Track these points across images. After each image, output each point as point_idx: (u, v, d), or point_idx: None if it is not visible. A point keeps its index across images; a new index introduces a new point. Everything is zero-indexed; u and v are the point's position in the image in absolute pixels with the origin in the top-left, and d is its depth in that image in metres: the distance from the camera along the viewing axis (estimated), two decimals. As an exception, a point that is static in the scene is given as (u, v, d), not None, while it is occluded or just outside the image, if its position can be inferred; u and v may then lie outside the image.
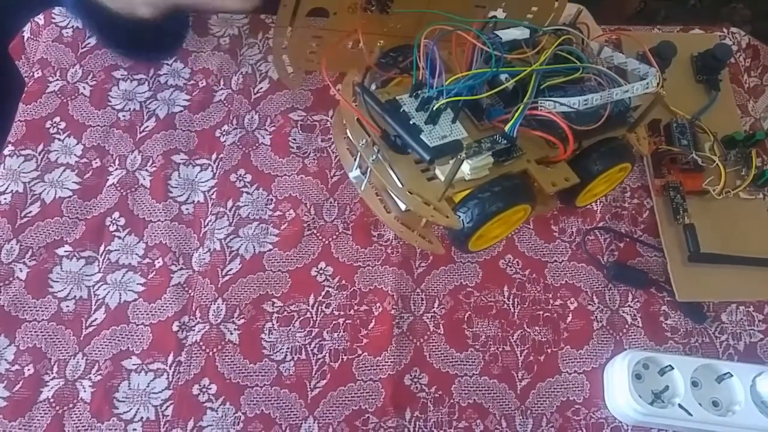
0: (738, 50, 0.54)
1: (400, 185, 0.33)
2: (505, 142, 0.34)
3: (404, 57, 0.37)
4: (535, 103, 0.34)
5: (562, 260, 0.45)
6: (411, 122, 0.33)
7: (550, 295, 0.44)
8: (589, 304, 0.44)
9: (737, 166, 0.48)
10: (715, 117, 0.49)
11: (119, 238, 0.44)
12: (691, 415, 0.38)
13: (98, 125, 0.48)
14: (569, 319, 0.43)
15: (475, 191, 0.35)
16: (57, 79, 0.50)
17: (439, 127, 0.34)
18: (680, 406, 0.39)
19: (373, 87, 0.37)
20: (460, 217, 0.35)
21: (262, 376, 0.40)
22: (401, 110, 0.34)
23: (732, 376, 0.40)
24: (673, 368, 0.40)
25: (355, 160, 0.36)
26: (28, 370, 0.40)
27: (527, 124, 0.35)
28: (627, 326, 0.43)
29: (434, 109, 0.33)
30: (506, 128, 0.34)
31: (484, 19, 0.37)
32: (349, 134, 0.35)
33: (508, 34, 0.36)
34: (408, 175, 0.34)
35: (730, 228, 0.46)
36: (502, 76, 0.35)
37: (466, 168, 0.34)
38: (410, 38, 0.35)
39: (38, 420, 0.38)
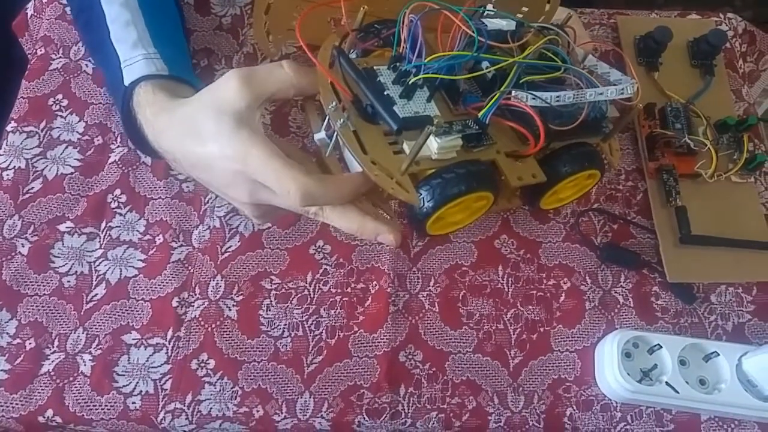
0: (734, 36, 0.50)
1: (364, 154, 0.30)
2: (477, 127, 0.31)
3: (387, 30, 0.34)
4: (510, 93, 0.31)
5: (556, 241, 0.42)
6: (385, 93, 0.30)
7: (544, 275, 0.41)
8: (582, 285, 0.41)
9: (729, 151, 0.45)
10: (710, 101, 0.46)
11: (120, 214, 0.41)
12: (678, 392, 0.36)
13: (100, 103, 0.45)
14: (562, 298, 0.41)
15: (440, 171, 0.32)
16: (60, 57, 0.46)
17: (413, 102, 0.31)
18: (667, 383, 0.37)
19: (353, 55, 0.33)
20: (421, 195, 0.32)
21: (259, 351, 0.38)
22: (377, 80, 0.31)
23: (719, 355, 0.38)
24: (661, 347, 0.38)
25: (322, 122, 0.33)
26: (30, 343, 0.37)
27: (501, 114, 0.32)
28: (618, 306, 0.41)
29: (410, 83, 0.30)
30: (480, 114, 0.31)
31: (473, 7, 0.33)
32: (320, 96, 0.31)
33: (494, 24, 0.33)
34: (374, 145, 0.30)
35: (721, 211, 0.43)
36: (483, 64, 0.32)
37: (433, 146, 0.31)
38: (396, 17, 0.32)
39: (39, 392, 0.36)
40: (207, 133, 0.29)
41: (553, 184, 0.36)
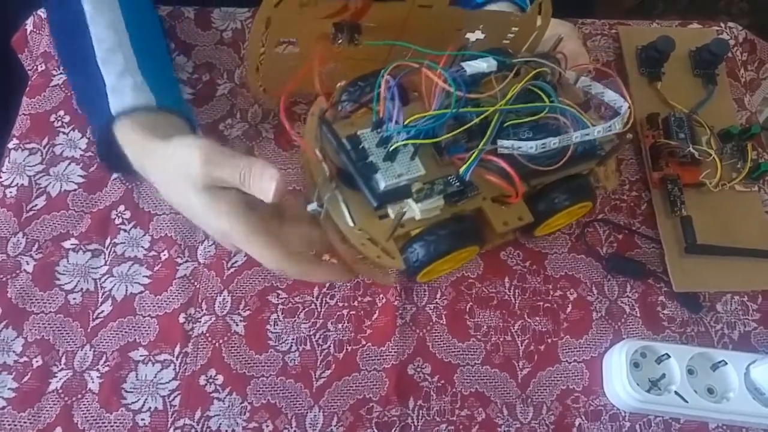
0: (735, 45, 0.53)
1: (351, 223, 0.33)
2: (458, 184, 0.34)
3: (371, 88, 0.36)
4: (494, 144, 0.33)
5: (562, 252, 0.45)
6: (369, 159, 0.33)
7: (550, 286, 0.44)
8: (588, 295, 0.44)
9: (733, 159, 0.48)
10: (712, 111, 0.49)
11: (125, 231, 0.43)
12: (687, 401, 0.38)
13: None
14: (569, 309, 0.43)
15: (424, 232, 0.35)
16: (60, 73, 0.49)
17: (397, 164, 0.33)
18: (676, 393, 0.39)
19: (342, 110, 0.36)
20: (406, 256, 0.35)
21: (267, 366, 0.40)
22: (360, 146, 0.33)
23: (726, 364, 0.40)
24: (669, 356, 0.40)
25: (313, 193, 0.35)
26: (37, 361, 0.39)
27: (485, 164, 0.34)
28: (625, 316, 0.43)
29: (390, 149, 0.33)
30: (461, 170, 0.33)
31: (454, 52, 0.35)
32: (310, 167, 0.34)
33: (473, 67, 0.34)
34: (360, 212, 0.33)
35: (725, 220, 0.46)
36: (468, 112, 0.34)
37: (415, 210, 0.34)
38: (383, 64, 0.34)
39: (47, 411, 0.38)
40: (187, 194, 0.33)
41: (544, 219, 0.38)
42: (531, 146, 0.33)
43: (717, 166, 0.46)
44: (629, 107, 0.36)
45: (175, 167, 0.33)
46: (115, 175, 0.45)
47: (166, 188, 0.36)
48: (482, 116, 0.33)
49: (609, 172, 0.40)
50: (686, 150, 0.46)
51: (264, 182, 0.31)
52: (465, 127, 0.33)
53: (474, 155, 0.33)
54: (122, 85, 0.38)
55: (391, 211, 0.33)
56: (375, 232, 0.33)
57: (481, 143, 0.33)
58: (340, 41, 0.34)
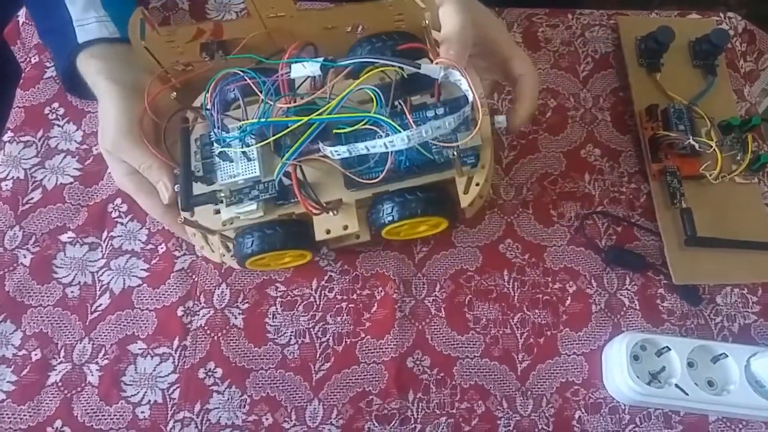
0: (734, 35, 0.54)
1: (188, 215, 0.37)
2: (275, 191, 0.36)
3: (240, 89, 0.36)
4: (315, 145, 0.34)
5: (561, 244, 0.46)
6: (212, 158, 0.36)
7: (550, 279, 0.45)
8: (588, 288, 0.45)
9: (733, 151, 0.49)
10: (712, 102, 0.50)
11: (122, 224, 0.44)
12: (687, 394, 0.39)
13: (97, 111, 0.48)
14: (568, 302, 0.44)
15: (238, 234, 0.38)
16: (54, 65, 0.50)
17: (234, 164, 0.36)
18: (677, 385, 0.40)
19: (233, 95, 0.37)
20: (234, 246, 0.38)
21: (267, 359, 0.41)
22: (208, 145, 0.37)
23: (727, 356, 0.41)
24: (669, 349, 0.41)
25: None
26: (35, 354, 0.40)
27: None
28: (625, 309, 0.44)
29: (217, 153, 0.36)
30: (273, 178, 0.35)
31: (286, 60, 0.35)
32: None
33: (296, 71, 0.34)
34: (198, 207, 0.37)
35: (725, 212, 0.47)
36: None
37: (230, 214, 0.36)
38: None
39: (47, 403, 0.39)
40: (102, 142, 0.41)
41: (379, 230, 0.38)
42: (335, 151, 0.34)
43: (717, 158, 0.47)
44: (470, 104, 0.34)
45: (101, 115, 0.40)
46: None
47: (99, 120, 0.41)
48: (291, 128, 0.34)
49: (473, 186, 0.37)
50: (686, 142, 0.47)
51: (159, 190, 0.38)
52: (272, 137, 0.34)
53: (279, 166, 0.34)
54: (87, 18, 0.42)
55: (222, 208, 0.36)
56: (207, 222, 0.37)
57: (287, 154, 0.34)
58: (207, 59, 0.37)
